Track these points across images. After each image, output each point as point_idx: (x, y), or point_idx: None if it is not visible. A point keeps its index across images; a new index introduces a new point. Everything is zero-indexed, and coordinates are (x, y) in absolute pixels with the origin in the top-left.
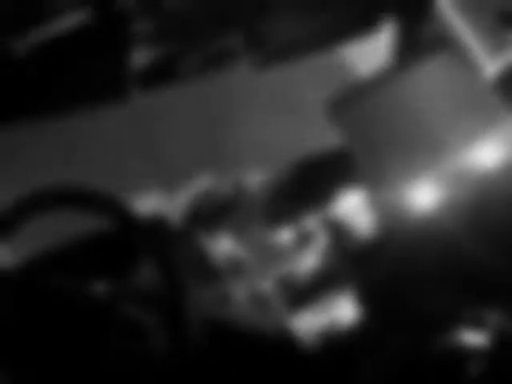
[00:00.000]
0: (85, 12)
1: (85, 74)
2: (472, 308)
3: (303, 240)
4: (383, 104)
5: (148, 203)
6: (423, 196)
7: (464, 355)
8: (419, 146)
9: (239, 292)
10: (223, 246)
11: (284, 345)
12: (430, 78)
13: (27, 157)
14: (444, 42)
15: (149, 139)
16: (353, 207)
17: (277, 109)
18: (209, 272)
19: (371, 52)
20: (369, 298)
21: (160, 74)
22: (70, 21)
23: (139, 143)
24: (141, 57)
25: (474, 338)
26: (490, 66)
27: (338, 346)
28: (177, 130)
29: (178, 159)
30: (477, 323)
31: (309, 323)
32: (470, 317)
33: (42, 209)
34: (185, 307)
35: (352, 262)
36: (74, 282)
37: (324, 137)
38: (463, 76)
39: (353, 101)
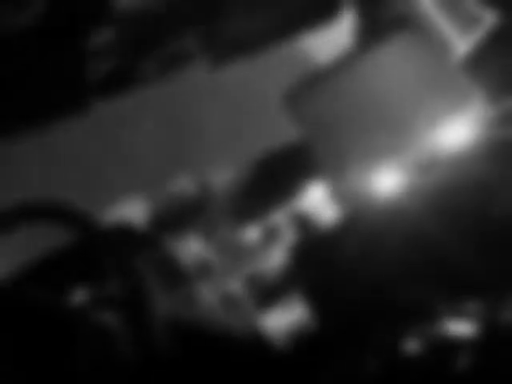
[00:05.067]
0: (42, 23)
1: (45, 88)
2: (450, 297)
3: (270, 237)
4: (342, 89)
5: (118, 209)
6: (386, 182)
7: (450, 347)
8: (381, 130)
9: (208, 294)
10: (191, 247)
11: (254, 345)
12: (392, 59)
13: None
14: (406, 22)
15: (114, 147)
16: (317, 200)
17: (238, 106)
18: (177, 275)
19: (332, 41)
20: (337, 293)
21: (119, 81)
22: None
23: (105, 151)
24: (98, 65)
25: (458, 328)
26: (460, 45)
27: (308, 344)
28: (140, 135)
29: (144, 163)
30: (459, 313)
31: (278, 322)
32: (450, 306)
33: (7, 225)
34: (147, 312)
35: (318, 256)
36: (49, 293)
37: (287, 131)
38: (428, 56)
39: (309, 90)
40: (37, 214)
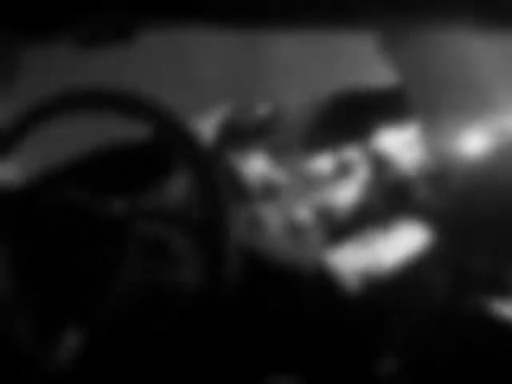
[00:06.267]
0: None
1: None
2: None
3: (342, 170)
4: (441, 46)
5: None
6: (475, 143)
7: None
8: (473, 97)
9: (273, 217)
10: (257, 167)
11: (320, 281)
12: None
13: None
14: None
15: (184, 66)
16: (398, 143)
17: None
18: (240, 193)
19: None
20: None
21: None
22: None
23: (175, 71)
24: None
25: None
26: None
27: (379, 289)
28: (213, 53)
29: (215, 82)
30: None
31: (348, 260)
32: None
33: (72, 109)
34: (226, 235)
35: (392, 198)
36: (89, 196)
37: (378, 71)
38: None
39: (410, 36)
40: (106, 101)
